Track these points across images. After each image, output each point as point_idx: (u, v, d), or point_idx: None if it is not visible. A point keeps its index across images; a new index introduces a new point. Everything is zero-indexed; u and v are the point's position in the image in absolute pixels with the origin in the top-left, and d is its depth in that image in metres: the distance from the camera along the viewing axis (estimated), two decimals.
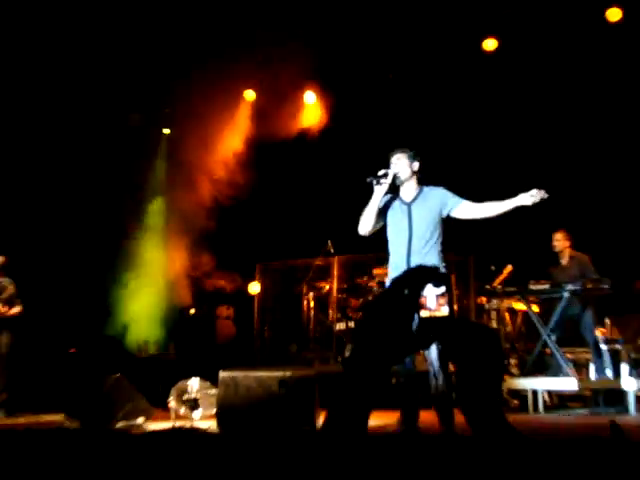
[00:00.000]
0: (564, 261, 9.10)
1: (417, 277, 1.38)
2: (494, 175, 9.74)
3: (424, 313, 1.40)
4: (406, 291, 1.40)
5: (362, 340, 1.31)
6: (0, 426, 7.48)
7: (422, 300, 1.41)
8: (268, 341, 11.33)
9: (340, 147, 11.14)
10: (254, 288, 11.53)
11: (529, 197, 5.37)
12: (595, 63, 9.80)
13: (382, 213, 5.67)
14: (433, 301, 1.40)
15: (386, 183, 5.55)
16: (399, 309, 1.36)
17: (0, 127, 10.59)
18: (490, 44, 10.48)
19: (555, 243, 9.04)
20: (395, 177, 5.60)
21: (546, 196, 5.36)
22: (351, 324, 10.49)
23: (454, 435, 5.05)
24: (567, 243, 9.01)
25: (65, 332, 11.33)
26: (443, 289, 1.41)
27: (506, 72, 10.31)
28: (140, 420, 6.76)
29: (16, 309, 8.70)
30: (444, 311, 1.42)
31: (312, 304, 10.99)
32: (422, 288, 1.41)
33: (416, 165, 5.74)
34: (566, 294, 8.12)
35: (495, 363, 1.47)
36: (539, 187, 5.39)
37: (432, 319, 1.41)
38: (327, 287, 10.95)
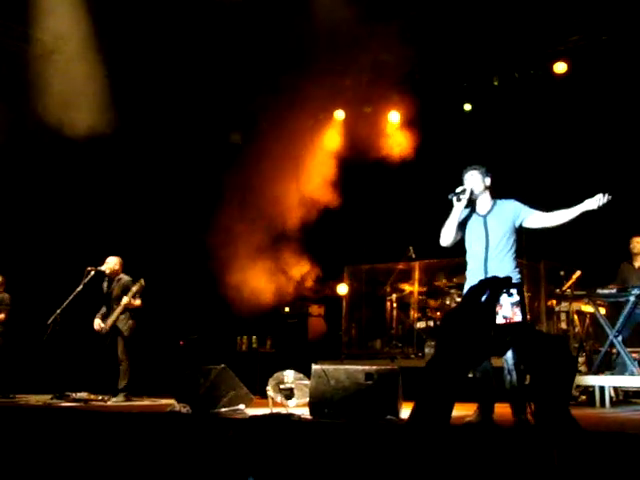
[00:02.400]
0: (637, 264, 8.94)
1: (493, 286, 1.38)
2: (563, 189, 9.55)
3: (500, 320, 1.41)
4: (483, 299, 1.41)
5: (444, 346, 1.32)
6: (120, 408, 7.72)
7: (498, 308, 1.42)
8: (355, 338, 11.37)
9: (420, 163, 11.11)
10: (342, 289, 11.59)
11: (594, 201, 5.31)
12: None
13: (461, 226, 5.68)
14: (508, 309, 1.41)
15: (465, 199, 5.56)
16: (477, 317, 1.37)
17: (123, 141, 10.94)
18: (560, 67, 10.26)
19: (636, 245, 8.93)
20: (472, 192, 5.60)
21: (609, 198, 5.29)
22: (430, 323, 10.45)
23: (528, 426, 5.00)
24: None
25: (178, 328, 11.63)
26: (517, 297, 1.42)
27: (576, 94, 10.08)
28: (241, 406, 6.87)
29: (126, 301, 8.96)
30: (518, 318, 1.43)
31: (395, 304, 10.99)
32: (498, 297, 1.42)
33: (488, 180, 5.73)
34: (632, 298, 7.94)
35: (567, 369, 1.47)
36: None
37: (508, 325, 1.42)
38: (409, 289, 10.93)
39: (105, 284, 9.09)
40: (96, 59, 9.83)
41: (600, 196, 5.30)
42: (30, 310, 9.68)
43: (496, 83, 10.80)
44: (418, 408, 1.58)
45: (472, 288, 1.59)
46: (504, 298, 1.61)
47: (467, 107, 11.39)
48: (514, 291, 1.62)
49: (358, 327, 11.40)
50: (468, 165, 5.80)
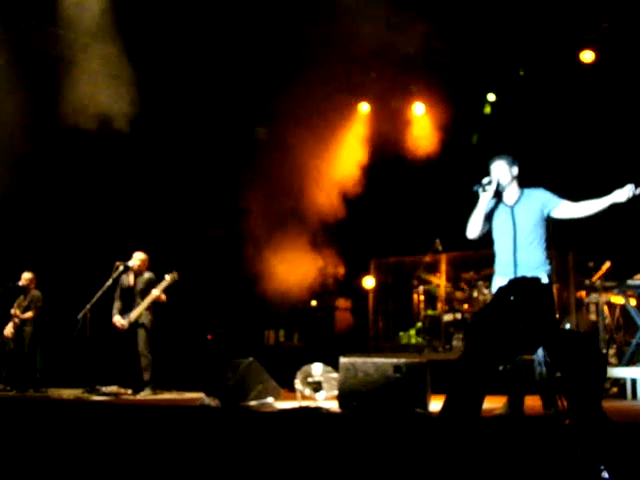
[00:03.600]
0: None
1: (521, 287, 1.36)
2: (592, 179, 9.45)
3: (530, 318, 1.39)
4: (511, 299, 1.39)
5: (473, 345, 1.31)
6: (149, 402, 7.78)
7: (527, 309, 1.41)
8: (382, 330, 11.38)
9: (446, 154, 11.06)
10: (369, 282, 11.58)
11: (624, 193, 5.23)
12: None
13: (488, 217, 5.64)
14: (539, 307, 1.39)
15: (491, 190, 5.52)
16: (507, 316, 1.35)
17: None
18: (587, 56, 10.13)
19: None
20: (498, 183, 5.56)
21: (638, 192, 5.22)
22: (458, 315, 10.43)
23: (560, 419, 4.97)
24: None
25: (206, 321, 11.70)
26: (546, 296, 1.40)
27: (604, 83, 9.95)
28: (270, 399, 6.90)
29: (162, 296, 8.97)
30: (547, 316, 1.41)
31: (422, 297, 10.97)
32: (526, 297, 1.40)
33: (515, 170, 5.67)
34: None
35: (597, 368, 1.46)
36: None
37: (537, 323, 1.40)
38: (436, 281, 10.90)
39: (129, 279, 9.07)
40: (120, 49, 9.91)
41: (630, 187, 5.22)
42: (60, 305, 9.79)
43: (522, 73, 10.72)
44: (449, 401, 1.58)
45: (501, 288, 1.58)
46: (534, 297, 1.61)
47: (491, 97, 11.31)
48: (543, 290, 1.61)
49: (385, 320, 11.40)
50: (494, 155, 5.75)
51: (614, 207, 5.38)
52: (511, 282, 1.36)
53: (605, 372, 1.51)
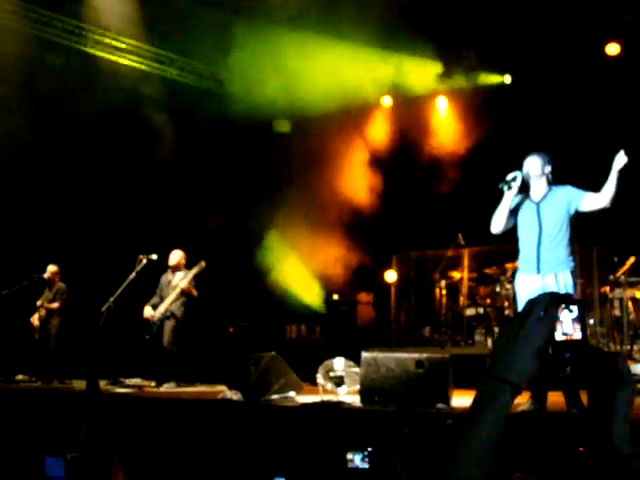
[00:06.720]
0: None
1: (552, 301, 1.34)
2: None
3: (560, 337, 1.37)
4: (541, 313, 1.37)
5: (498, 362, 1.29)
6: (172, 395, 7.81)
7: (558, 324, 1.39)
8: (404, 325, 11.34)
9: (470, 148, 10.99)
10: (391, 276, 11.54)
11: (620, 157, 5.25)
12: None
13: (513, 213, 5.62)
14: (569, 325, 1.37)
15: (515, 187, 5.50)
16: (536, 333, 1.34)
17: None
18: (613, 49, 10.00)
19: None
20: (524, 178, 5.53)
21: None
22: (480, 310, 10.36)
23: (582, 415, 4.92)
24: None
25: (228, 314, 11.71)
26: (577, 314, 1.38)
27: (629, 77, 9.80)
28: (292, 394, 6.90)
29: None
30: (578, 335, 1.39)
31: (444, 292, 10.90)
32: (558, 312, 1.38)
33: (548, 168, 5.64)
34: None
35: (627, 387, 1.42)
36: None
37: (567, 342, 1.38)
38: (458, 276, 10.84)
39: (168, 276, 9.10)
40: None
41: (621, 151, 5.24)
42: (84, 298, 9.84)
43: (545, 66, 10.62)
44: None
45: (530, 302, 1.54)
46: (564, 314, 1.57)
47: (507, 80, 11.28)
48: (574, 307, 1.57)
49: (407, 314, 11.36)
50: (524, 150, 5.73)
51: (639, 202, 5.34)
52: (541, 296, 1.33)
53: (634, 391, 1.47)
